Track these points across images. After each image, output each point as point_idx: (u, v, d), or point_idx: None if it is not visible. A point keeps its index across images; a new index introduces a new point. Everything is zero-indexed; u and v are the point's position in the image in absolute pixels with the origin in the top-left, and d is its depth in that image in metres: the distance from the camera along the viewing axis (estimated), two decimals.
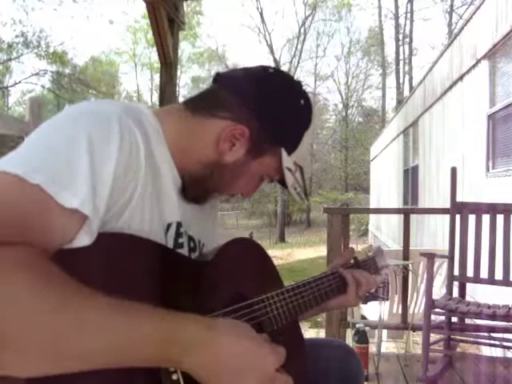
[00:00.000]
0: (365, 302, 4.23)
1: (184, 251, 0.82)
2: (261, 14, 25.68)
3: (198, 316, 0.63)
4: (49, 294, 0.53)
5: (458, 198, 2.76)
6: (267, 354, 0.64)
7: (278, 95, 0.83)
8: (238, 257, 0.85)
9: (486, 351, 3.61)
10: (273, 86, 0.84)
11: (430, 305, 2.41)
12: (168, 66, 3.24)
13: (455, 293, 2.66)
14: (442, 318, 2.65)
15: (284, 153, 0.83)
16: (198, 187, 0.84)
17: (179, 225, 0.81)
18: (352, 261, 1.09)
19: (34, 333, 0.51)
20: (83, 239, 0.62)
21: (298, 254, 15.87)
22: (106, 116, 0.69)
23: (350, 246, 3.32)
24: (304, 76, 30.49)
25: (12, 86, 23.55)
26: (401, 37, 26.20)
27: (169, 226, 0.79)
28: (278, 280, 0.94)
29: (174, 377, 0.65)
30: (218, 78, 0.86)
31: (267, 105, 0.82)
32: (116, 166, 0.66)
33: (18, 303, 0.51)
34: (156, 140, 0.78)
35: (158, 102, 3.45)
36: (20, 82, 21.76)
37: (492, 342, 2.63)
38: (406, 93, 22.77)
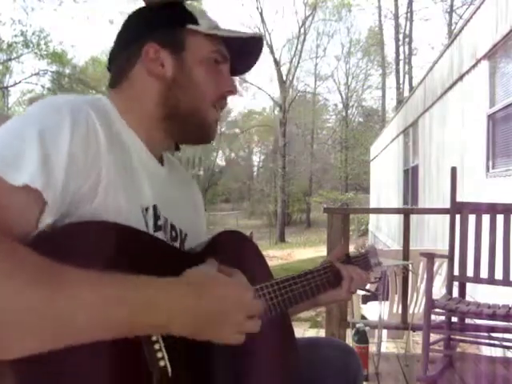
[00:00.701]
0: (364, 302, 4.23)
1: (163, 235, 0.83)
2: (261, 13, 25.70)
3: (178, 278, 0.65)
4: (21, 270, 0.53)
5: (458, 198, 2.76)
6: (242, 288, 0.70)
7: (138, 11, 0.89)
8: (227, 249, 0.85)
9: (486, 351, 3.61)
10: (128, 17, 0.90)
11: (430, 305, 2.41)
12: None
13: (455, 293, 2.66)
14: (442, 317, 2.65)
15: (193, 26, 0.85)
16: (182, 124, 0.86)
17: (155, 207, 0.81)
18: (344, 257, 1.09)
19: (8, 311, 0.50)
20: (45, 217, 0.63)
21: (298, 254, 15.89)
22: (58, 104, 0.72)
23: (350, 246, 3.31)
24: (304, 76, 30.56)
25: (12, 85, 23.53)
26: (401, 37, 26.21)
27: (147, 209, 0.80)
28: (267, 272, 0.94)
29: (156, 346, 0.66)
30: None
31: (141, 15, 0.88)
32: (70, 146, 0.67)
33: None
34: (119, 123, 0.80)
35: None
36: (20, 81, 21.73)
37: (492, 341, 2.63)
38: (406, 93, 22.77)
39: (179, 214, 0.88)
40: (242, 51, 0.90)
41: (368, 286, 2.62)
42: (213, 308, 0.64)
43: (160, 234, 0.82)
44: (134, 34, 0.86)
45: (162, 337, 0.66)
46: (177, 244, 0.86)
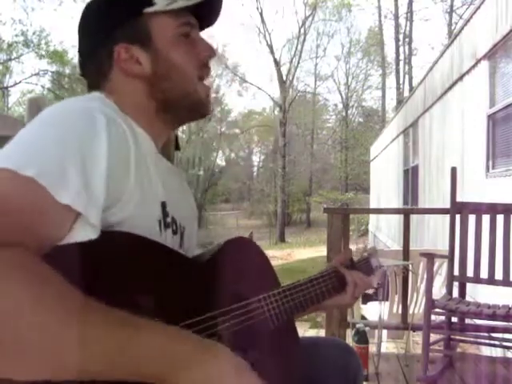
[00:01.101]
0: (364, 302, 4.23)
1: (170, 232, 0.82)
2: (261, 13, 25.73)
3: (196, 336, 0.62)
4: (47, 295, 0.53)
5: (458, 198, 2.76)
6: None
7: (90, 9, 0.85)
8: (236, 257, 0.85)
9: (486, 351, 3.61)
10: (82, 20, 0.86)
11: (430, 305, 2.41)
12: None
13: (455, 293, 2.67)
14: (442, 318, 2.65)
15: (150, 9, 0.82)
16: (176, 110, 0.85)
17: (164, 204, 0.81)
18: (348, 262, 1.09)
19: (31, 335, 0.50)
20: (80, 234, 0.62)
21: (298, 254, 15.90)
22: (90, 110, 0.69)
23: (350, 246, 3.32)
24: (304, 76, 30.56)
25: (12, 86, 23.54)
26: (401, 37, 26.21)
27: (158, 207, 0.79)
28: (275, 280, 0.93)
29: None
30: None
31: (95, 17, 0.84)
32: (108, 162, 0.66)
33: (16, 305, 0.50)
34: (131, 123, 0.79)
35: None
36: (20, 82, 21.74)
37: (492, 342, 2.63)
38: (406, 93, 22.77)
39: (178, 207, 0.88)
40: (205, 7, 0.86)
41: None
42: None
43: (169, 232, 0.81)
44: (98, 39, 0.82)
45: None
46: (177, 238, 0.86)
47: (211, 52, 0.87)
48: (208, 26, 0.92)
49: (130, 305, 0.59)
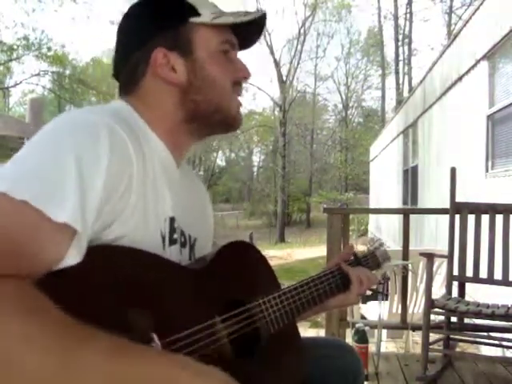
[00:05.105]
0: (365, 302, 4.24)
1: (177, 248, 0.81)
2: None
3: (186, 358, 0.61)
4: (40, 332, 0.52)
5: (458, 198, 2.76)
6: None
7: (134, 10, 0.84)
8: (234, 261, 0.84)
9: (485, 351, 3.61)
10: (124, 19, 0.85)
11: (430, 304, 2.42)
12: None
13: (454, 293, 2.67)
14: (442, 317, 2.65)
15: (196, 19, 0.81)
16: (206, 123, 0.84)
17: (172, 220, 0.80)
18: (352, 257, 1.08)
19: (22, 372, 0.49)
20: (73, 256, 0.60)
21: (298, 254, 15.88)
22: (93, 127, 0.67)
23: (350, 243, 3.30)
24: (304, 76, 30.54)
25: (13, 86, 23.55)
26: (400, 37, 26.21)
27: (165, 221, 0.78)
28: (274, 282, 0.93)
29: None
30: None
31: (139, 18, 0.83)
32: (106, 179, 0.64)
33: (8, 341, 0.50)
34: (144, 130, 0.78)
35: None
36: (21, 82, 21.72)
37: (491, 341, 2.64)
38: (406, 93, 22.77)
39: (190, 218, 0.86)
40: (247, 30, 0.86)
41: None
42: None
43: (174, 248, 0.80)
44: (137, 41, 0.81)
45: None
46: (186, 250, 0.84)
47: (247, 74, 0.88)
48: (245, 48, 0.92)
49: (124, 317, 0.59)
